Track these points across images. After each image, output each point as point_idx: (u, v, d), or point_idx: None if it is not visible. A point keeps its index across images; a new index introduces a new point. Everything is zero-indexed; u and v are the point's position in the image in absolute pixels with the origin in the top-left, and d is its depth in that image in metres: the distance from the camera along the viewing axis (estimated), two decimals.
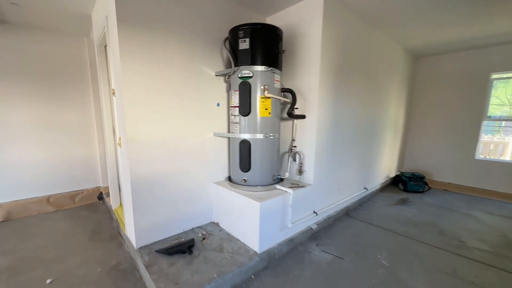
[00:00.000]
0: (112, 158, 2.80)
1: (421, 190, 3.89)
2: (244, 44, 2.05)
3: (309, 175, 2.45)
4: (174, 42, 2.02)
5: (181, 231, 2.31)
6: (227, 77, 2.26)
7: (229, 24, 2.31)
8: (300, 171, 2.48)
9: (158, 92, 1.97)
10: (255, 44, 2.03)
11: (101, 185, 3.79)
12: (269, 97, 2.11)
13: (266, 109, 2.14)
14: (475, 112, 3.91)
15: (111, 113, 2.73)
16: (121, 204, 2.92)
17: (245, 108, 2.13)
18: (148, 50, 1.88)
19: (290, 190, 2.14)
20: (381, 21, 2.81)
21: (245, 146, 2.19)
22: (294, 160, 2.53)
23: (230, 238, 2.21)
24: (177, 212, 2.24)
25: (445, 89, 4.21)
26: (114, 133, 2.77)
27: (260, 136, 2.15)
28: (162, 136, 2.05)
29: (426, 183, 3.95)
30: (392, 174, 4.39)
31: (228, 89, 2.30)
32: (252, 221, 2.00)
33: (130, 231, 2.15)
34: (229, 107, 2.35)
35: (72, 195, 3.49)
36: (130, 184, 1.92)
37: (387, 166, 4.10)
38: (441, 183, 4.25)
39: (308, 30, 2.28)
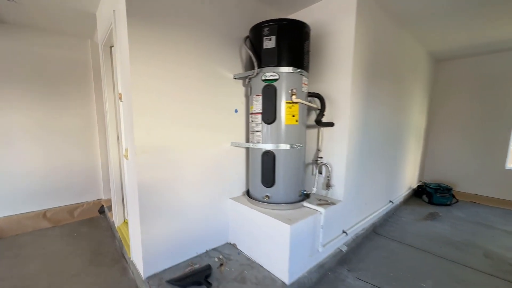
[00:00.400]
0: (115, 170, 2.53)
1: (448, 202, 3.59)
2: (269, 43, 1.81)
3: (338, 189, 2.17)
4: (190, 41, 1.78)
5: (195, 254, 2.02)
6: (247, 80, 2.02)
7: (248, 22, 2.08)
8: (328, 185, 2.20)
9: (171, 96, 1.72)
10: (282, 43, 1.79)
11: (103, 197, 3.50)
12: (297, 103, 1.86)
13: (293, 116, 1.88)
14: (504, 118, 3.65)
15: (115, 121, 2.47)
16: (125, 221, 2.63)
17: (270, 115, 1.87)
18: (160, 49, 1.64)
19: (321, 209, 1.86)
20: (410, 20, 2.58)
21: (268, 158, 1.92)
22: (320, 172, 2.26)
23: (251, 264, 1.92)
24: (190, 232, 1.96)
25: (469, 94, 3.96)
26: (118, 142, 2.51)
27: (285, 146, 1.89)
28: (175, 147, 1.79)
29: (453, 195, 3.65)
30: (414, 185, 4.10)
31: (248, 94, 2.05)
32: (279, 246, 1.71)
33: (136, 256, 1.86)
34: (249, 113, 2.09)
35: (71, 209, 3.20)
36: (138, 202, 1.65)
37: (410, 176, 3.82)
38: (467, 195, 3.95)
39: (338, 29, 2.04)
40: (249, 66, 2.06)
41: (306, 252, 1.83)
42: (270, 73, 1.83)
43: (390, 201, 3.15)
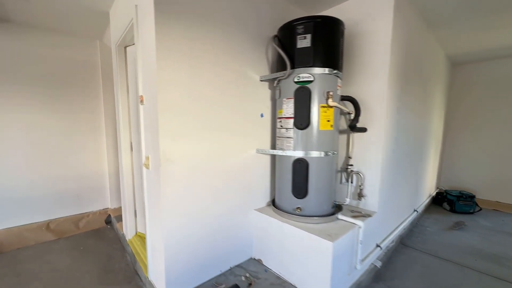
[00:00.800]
0: (127, 179, 2.35)
1: (471, 211, 3.45)
2: (304, 42, 1.67)
3: (372, 200, 2.02)
4: (218, 39, 1.64)
5: (219, 272, 1.84)
6: (276, 82, 1.87)
7: (275, 21, 1.97)
8: (360, 196, 2.04)
9: (198, 99, 1.57)
10: (318, 42, 1.65)
11: (109, 207, 3.31)
12: (332, 106, 1.71)
13: (328, 120, 1.73)
14: None
15: (129, 126, 2.31)
16: (137, 234, 2.44)
17: (303, 119, 1.72)
18: (189, 46, 1.49)
19: (359, 222, 1.70)
20: (438, 20, 2.46)
21: (301, 167, 1.77)
22: (351, 181, 2.10)
23: (282, 283, 1.74)
24: (213, 248, 1.79)
25: (488, 98, 3.86)
26: (131, 149, 2.34)
27: (320, 154, 1.74)
28: (201, 155, 1.63)
29: (476, 203, 3.51)
30: (433, 192, 3.95)
31: (276, 97, 1.90)
32: (318, 265, 1.54)
33: (156, 276, 1.68)
34: (276, 118, 1.94)
35: (76, 220, 3.00)
36: (163, 217, 1.48)
37: (429, 183, 3.68)
38: (488, 202, 3.81)
39: (372, 28, 1.92)
40: (277, 67, 1.92)
41: (345, 270, 1.66)
42: (304, 74, 1.69)
43: (415, 210, 3.01)
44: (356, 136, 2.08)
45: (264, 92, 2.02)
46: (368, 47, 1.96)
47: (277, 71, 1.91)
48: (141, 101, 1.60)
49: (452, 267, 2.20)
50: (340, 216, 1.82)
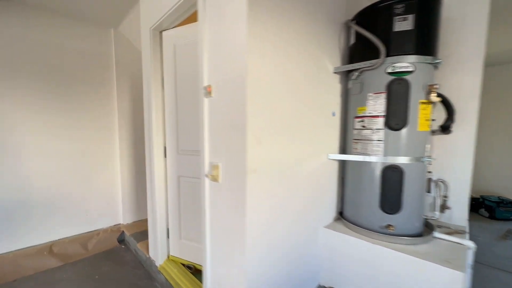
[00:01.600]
0: (160, 191, 1.94)
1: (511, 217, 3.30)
2: (403, 24, 1.38)
3: (459, 213, 1.74)
4: (302, 18, 1.33)
5: None
6: (357, 74, 1.56)
7: (345, 4, 1.68)
8: (443, 207, 1.76)
9: (277, 91, 1.24)
10: (421, 24, 1.37)
11: (122, 222, 2.84)
12: (433, 103, 1.43)
13: (427, 120, 1.45)
14: None
15: (162, 128, 1.91)
16: (168, 257, 2.02)
17: (399, 118, 1.42)
18: (276, 26, 1.16)
19: (468, 242, 1.42)
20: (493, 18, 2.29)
21: (394, 175, 1.46)
22: (429, 191, 1.82)
23: None
24: (286, 280, 1.43)
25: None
26: (165, 155, 1.94)
27: (416, 160, 1.45)
28: (285, 161, 1.30)
29: None
30: None
31: (354, 92, 1.60)
32: None
33: None
34: (354, 117, 1.63)
35: (84, 239, 2.52)
36: (248, 248, 1.11)
37: None
38: None
39: (463, 13, 1.67)
40: (354, 56, 1.63)
41: None
42: (401, 63, 1.40)
43: None
44: (435, 138, 1.81)
45: (335, 87, 1.71)
46: (453, 34, 1.70)
47: (352, 62, 1.62)
48: (209, 93, 1.23)
49: None
50: (437, 234, 1.52)
